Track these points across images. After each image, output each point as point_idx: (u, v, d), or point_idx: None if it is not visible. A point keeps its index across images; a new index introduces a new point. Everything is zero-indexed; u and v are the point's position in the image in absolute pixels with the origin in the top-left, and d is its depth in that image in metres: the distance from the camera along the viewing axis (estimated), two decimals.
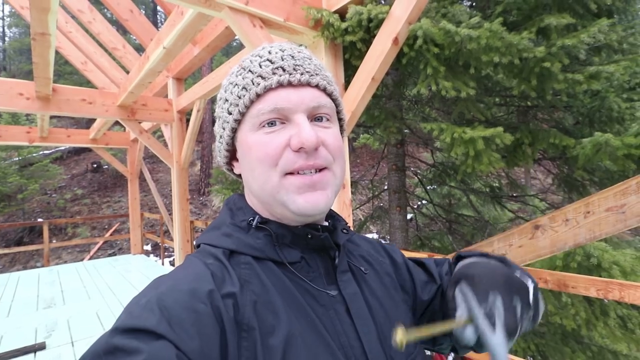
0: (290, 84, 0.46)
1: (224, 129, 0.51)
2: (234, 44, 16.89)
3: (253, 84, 0.46)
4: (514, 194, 4.80)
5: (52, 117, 9.21)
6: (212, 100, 13.71)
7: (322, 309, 0.45)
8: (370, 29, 2.05)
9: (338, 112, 0.53)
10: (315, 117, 0.47)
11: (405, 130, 4.12)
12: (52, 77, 2.91)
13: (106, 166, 13.01)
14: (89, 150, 12.63)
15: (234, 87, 0.48)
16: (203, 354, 0.35)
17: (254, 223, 0.48)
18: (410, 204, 4.96)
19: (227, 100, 0.49)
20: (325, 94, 0.49)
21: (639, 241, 3.97)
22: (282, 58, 0.47)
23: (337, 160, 0.48)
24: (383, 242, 0.66)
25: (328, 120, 0.48)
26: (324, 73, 0.50)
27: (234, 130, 0.49)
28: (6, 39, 25.08)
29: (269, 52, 0.48)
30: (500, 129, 2.13)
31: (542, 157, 3.40)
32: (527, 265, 1.65)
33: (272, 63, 0.47)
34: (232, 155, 0.54)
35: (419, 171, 5.66)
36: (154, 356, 0.33)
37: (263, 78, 0.46)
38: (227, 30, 3.02)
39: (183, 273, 0.43)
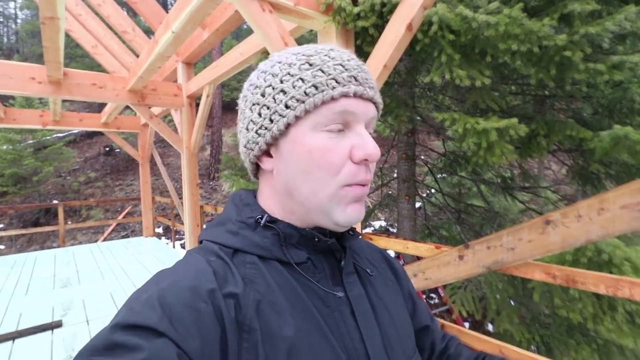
0: (361, 97, 0.46)
1: (271, 121, 0.46)
2: (244, 27, 16.66)
3: (327, 85, 0.44)
4: (526, 185, 4.72)
5: (64, 101, 9.33)
6: (222, 85, 13.66)
7: (327, 310, 0.45)
8: (383, 14, 1.99)
9: None
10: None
11: (417, 118, 4.05)
12: (63, 61, 2.91)
13: (118, 150, 13.19)
14: (101, 133, 12.81)
15: (298, 81, 0.45)
16: (203, 353, 0.35)
17: (262, 221, 0.47)
18: (420, 193, 4.92)
19: (284, 92, 0.45)
20: (377, 112, 0.50)
21: None
22: (354, 67, 0.46)
23: (372, 175, 0.50)
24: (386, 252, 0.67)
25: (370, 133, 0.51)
26: (377, 91, 0.51)
27: (288, 126, 0.46)
28: (18, 21, 25.18)
29: (341, 56, 0.47)
30: (514, 120, 2.06)
31: (557, 149, 3.31)
32: (537, 260, 1.62)
33: (345, 70, 0.45)
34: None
35: (429, 160, 5.59)
36: (155, 354, 0.32)
37: (338, 83, 0.44)
38: (236, 14, 2.96)
39: (184, 269, 0.42)
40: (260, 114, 0.47)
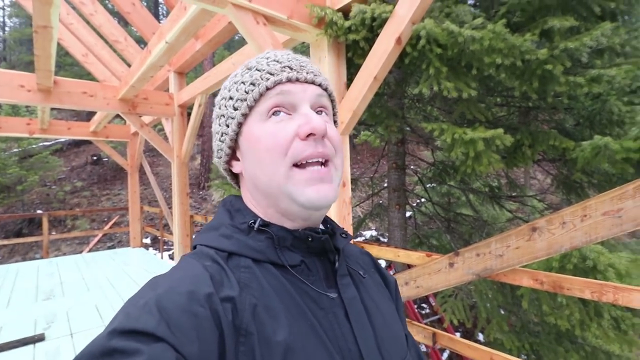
0: (297, 81, 0.48)
1: (227, 125, 0.51)
2: (236, 38, 16.81)
3: (262, 79, 0.48)
4: (513, 194, 4.82)
5: (52, 109, 9.20)
6: (214, 95, 13.66)
7: (321, 312, 0.45)
8: (373, 28, 2.05)
9: (334, 115, 0.56)
10: (316, 111, 0.50)
11: (406, 128, 4.13)
12: (54, 69, 2.90)
13: (106, 159, 13.00)
14: (88, 142, 12.62)
15: (240, 84, 0.50)
16: (202, 358, 0.35)
17: (256, 226, 0.48)
18: (410, 202, 4.97)
19: (231, 97, 0.51)
20: (326, 93, 0.52)
21: (635, 243, 3.99)
22: (288, 59, 0.50)
23: (338, 153, 0.50)
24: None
25: (327, 115, 0.52)
26: (324, 76, 0.53)
27: (240, 125, 0.50)
28: (6, 29, 24.90)
29: (275, 55, 0.51)
30: (500, 130, 2.13)
31: (542, 158, 3.42)
32: (524, 266, 1.66)
33: (279, 62, 0.49)
34: (232, 153, 0.54)
35: (418, 169, 5.68)
36: (154, 358, 0.32)
37: (272, 74, 0.48)
38: (229, 26, 3.00)
39: (181, 274, 0.42)
40: (219, 124, 0.53)
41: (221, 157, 0.54)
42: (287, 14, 1.99)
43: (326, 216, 0.55)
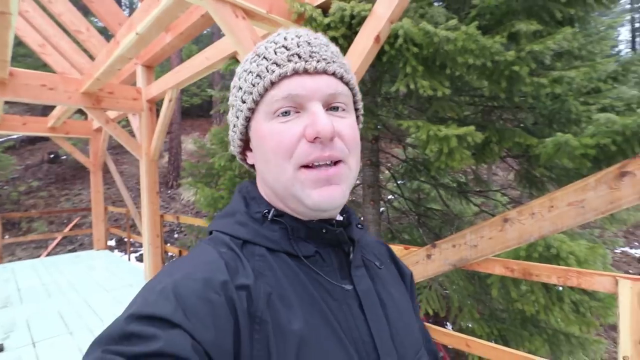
0: (306, 72, 0.44)
1: (237, 117, 0.50)
2: (204, 32, 16.31)
3: (267, 71, 0.45)
4: (479, 189, 5.07)
5: (5, 103, 8.46)
6: (182, 91, 13.21)
7: (335, 303, 0.45)
8: (352, 25, 2.08)
9: (355, 102, 0.52)
10: (331, 107, 0.46)
11: (378, 126, 4.20)
12: (10, 59, 2.69)
13: (64, 156, 12.21)
14: (45, 139, 11.80)
15: (248, 74, 0.47)
16: (217, 345, 0.35)
17: (270, 216, 0.47)
18: (382, 198, 5.08)
19: (240, 88, 0.48)
20: (342, 82, 0.47)
21: (588, 233, 4.33)
22: (298, 44, 0.45)
23: (353, 152, 0.47)
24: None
25: (344, 110, 0.47)
26: (340, 61, 0.48)
27: (248, 119, 0.48)
28: None
29: (285, 39, 0.46)
30: (472, 127, 2.24)
31: (506, 155, 3.61)
32: (496, 255, 1.76)
33: (287, 50, 0.45)
34: (245, 144, 0.52)
35: (390, 166, 5.81)
36: (171, 344, 0.33)
37: (278, 65, 0.44)
38: (202, 18, 2.91)
39: (197, 261, 0.42)
40: (231, 114, 0.52)
41: (235, 148, 0.53)
42: (266, 9, 1.97)
43: (345, 205, 0.54)
